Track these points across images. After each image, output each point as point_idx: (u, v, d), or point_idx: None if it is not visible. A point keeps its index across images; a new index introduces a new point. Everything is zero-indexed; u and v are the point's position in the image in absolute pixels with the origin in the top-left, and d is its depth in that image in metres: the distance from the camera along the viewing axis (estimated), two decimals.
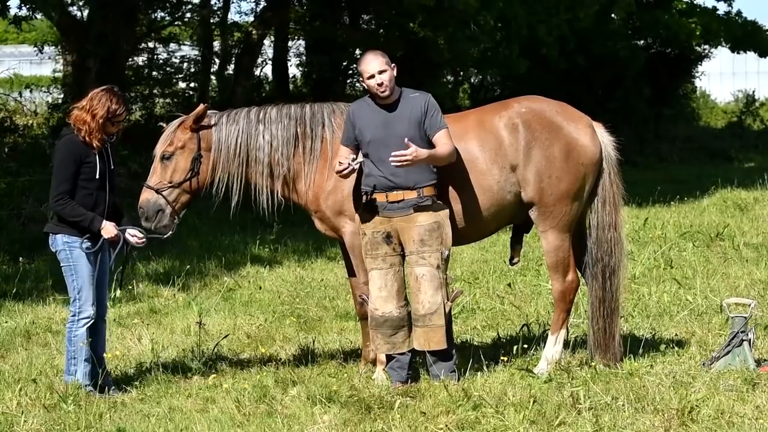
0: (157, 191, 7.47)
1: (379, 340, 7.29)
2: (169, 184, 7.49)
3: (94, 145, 7.30)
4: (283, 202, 7.67)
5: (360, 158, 7.14)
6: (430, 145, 7.16)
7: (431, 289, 7.18)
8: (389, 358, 7.35)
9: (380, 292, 7.26)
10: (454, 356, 7.37)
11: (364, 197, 7.24)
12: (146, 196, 7.50)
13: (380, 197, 7.20)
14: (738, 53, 30.41)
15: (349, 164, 7.07)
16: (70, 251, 7.31)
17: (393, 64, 7.27)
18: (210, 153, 7.55)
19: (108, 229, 7.30)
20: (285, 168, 7.56)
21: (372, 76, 7.18)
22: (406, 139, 7.02)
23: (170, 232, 7.59)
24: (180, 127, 7.55)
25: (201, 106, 7.55)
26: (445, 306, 7.21)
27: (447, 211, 7.27)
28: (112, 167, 7.49)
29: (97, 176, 7.31)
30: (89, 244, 7.30)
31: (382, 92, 7.19)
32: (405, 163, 6.99)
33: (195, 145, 7.53)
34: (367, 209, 7.26)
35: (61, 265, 7.40)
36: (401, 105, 7.25)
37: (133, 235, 7.42)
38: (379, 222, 7.23)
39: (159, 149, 7.55)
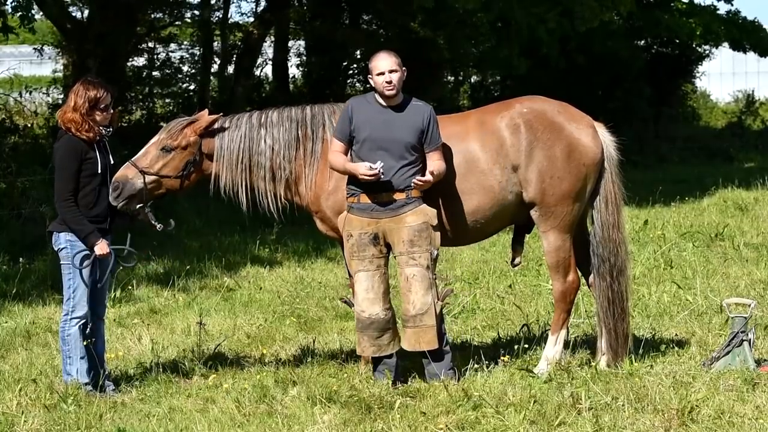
0: (142, 171, 7.42)
1: (365, 342, 7.31)
2: (155, 173, 7.47)
3: (89, 137, 7.27)
4: (287, 204, 7.68)
5: (384, 164, 7.14)
6: (422, 154, 7.24)
7: (422, 290, 7.19)
8: (376, 362, 7.36)
9: (367, 293, 7.26)
10: (449, 354, 7.37)
11: (353, 198, 7.25)
12: (126, 172, 7.43)
13: (369, 198, 7.22)
14: (738, 51, 30.36)
15: (378, 170, 7.07)
16: (71, 249, 7.31)
17: (404, 68, 7.29)
18: (208, 159, 7.57)
19: (102, 246, 7.26)
20: (287, 171, 7.57)
21: (382, 73, 7.20)
22: (428, 171, 7.13)
23: (134, 263, 7.83)
24: (189, 126, 7.55)
25: (217, 116, 7.60)
26: (435, 305, 7.22)
27: (435, 211, 7.29)
28: (113, 162, 7.47)
29: (99, 171, 7.31)
30: (84, 255, 7.29)
31: (389, 90, 7.20)
32: (426, 186, 7.14)
33: (196, 149, 7.54)
34: (355, 210, 7.26)
35: (61, 262, 7.40)
36: (406, 110, 7.28)
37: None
38: (366, 223, 7.24)
39: (162, 139, 7.52)
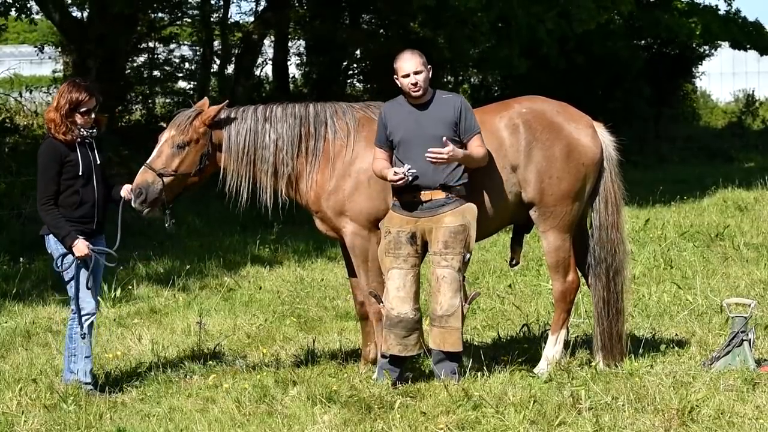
0: (160, 175, 7.34)
1: (391, 340, 7.25)
2: (173, 173, 7.39)
3: (66, 140, 7.17)
4: (287, 201, 7.66)
5: (414, 169, 7.09)
6: (462, 147, 7.18)
7: (450, 292, 7.17)
8: (390, 357, 7.33)
9: (398, 292, 7.22)
10: (461, 358, 7.37)
11: (396, 197, 7.23)
12: (146, 177, 7.35)
13: (408, 197, 7.20)
14: (738, 50, 30.37)
15: (404, 175, 7.03)
16: (58, 249, 7.29)
17: (429, 66, 7.27)
18: (218, 151, 7.52)
19: (80, 247, 7.16)
20: (289, 167, 7.55)
21: (407, 75, 7.17)
22: (444, 138, 7.02)
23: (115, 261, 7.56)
24: (197, 118, 7.47)
25: (222, 104, 7.54)
26: (462, 308, 7.21)
27: (475, 212, 7.24)
28: (98, 162, 7.35)
29: (80, 173, 7.21)
30: (64, 255, 7.26)
31: (416, 92, 7.18)
32: (440, 160, 7.00)
33: (207, 140, 7.48)
34: (396, 208, 7.25)
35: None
36: (433, 105, 7.24)
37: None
38: (405, 221, 7.22)
39: (173, 136, 7.41)
